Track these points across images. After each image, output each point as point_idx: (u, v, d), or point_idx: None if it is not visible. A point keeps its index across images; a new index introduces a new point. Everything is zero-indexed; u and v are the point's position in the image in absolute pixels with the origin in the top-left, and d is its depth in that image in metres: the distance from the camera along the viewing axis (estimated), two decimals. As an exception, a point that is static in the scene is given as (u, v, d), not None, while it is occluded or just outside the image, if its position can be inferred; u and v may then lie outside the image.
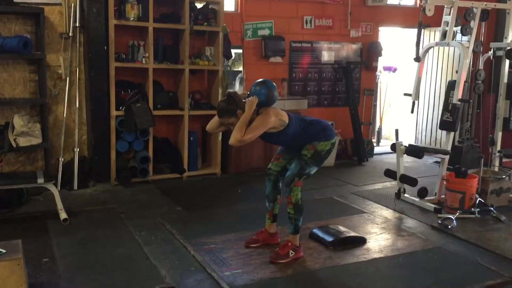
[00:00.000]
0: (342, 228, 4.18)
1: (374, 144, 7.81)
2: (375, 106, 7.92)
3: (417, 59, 5.12)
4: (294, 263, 3.62)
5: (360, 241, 4.05)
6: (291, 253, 3.67)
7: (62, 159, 5.31)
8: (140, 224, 4.34)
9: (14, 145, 4.81)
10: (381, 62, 7.80)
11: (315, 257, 3.75)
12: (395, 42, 8.32)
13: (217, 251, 3.79)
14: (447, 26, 5.07)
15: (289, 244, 3.70)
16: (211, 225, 4.36)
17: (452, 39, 5.12)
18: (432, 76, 7.75)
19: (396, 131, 5.43)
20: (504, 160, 5.41)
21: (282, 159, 3.85)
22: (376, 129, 8.25)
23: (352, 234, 4.11)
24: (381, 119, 8.40)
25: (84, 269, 3.45)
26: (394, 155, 5.35)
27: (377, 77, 7.89)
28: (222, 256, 3.71)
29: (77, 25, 5.27)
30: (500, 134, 5.42)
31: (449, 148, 5.14)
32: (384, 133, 8.54)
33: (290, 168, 3.68)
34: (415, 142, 7.99)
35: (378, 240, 4.15)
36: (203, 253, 3.73)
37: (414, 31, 5.26)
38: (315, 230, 4.13)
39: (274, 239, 3.96)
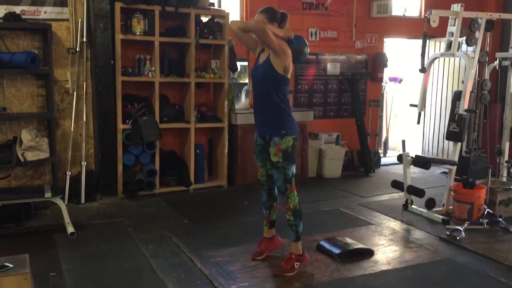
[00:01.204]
0: (349, 240, 4.15)
1: (381, 155, 7.79)
2: (381, 117, 7.91)
3: (423, 70, 5.11)
4: (301, 276, 3.60)
5: (367, 253, 4.02)
6: (296, 265, 3.65)
7: (70, 173, 5.33)
8: (147, 237, 4.34)
9: (22, 159, 4.85)
10: (387, 73, 7.81)
11: (322, 269, 3.73)
12: (401, 53, 8.33)
13: (223, 264, 3.78)
14: (452, 36, 5.07)
15: (292, 256, 3.68)
16: (218, 238, 4.35)
17: (457, 50, 5.12)
18: (438, 86, 7.74)
19: (403, 141, 5.41)
20: (512, 170, 5.39)
21: (260, 167, 3.88)
22: (383, 140, 8.23)
23: (360, 246, 4.09)
24: (387, 130, 8.38)
25: (91, 283, 3.46)
26: (401, 166, 5.33)
27: (383, 88, 7.89)
28: (229, 269, 3.70)
29: (84, 40, 5.33)
30: (507, 144, 5.40)
31: (456, 159, 5.13)
32: (391, 144, 8.52)
33: (275, 179, 3.69)
34: (422, 153, 7.96)
35: (386, 252, 4.12)
36: (210, 266, 3.72)
37: (419, 41, 5.26)
38: (322, 242, 4.12)
39: (275, 242, 3.99)
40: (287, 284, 3.50)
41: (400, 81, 8.19)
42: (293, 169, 3.67)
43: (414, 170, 6.11)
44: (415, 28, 7.27)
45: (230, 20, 3.87)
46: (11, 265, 2.83)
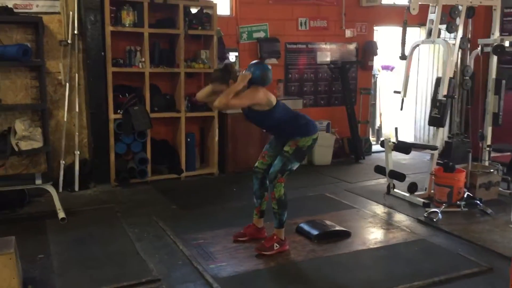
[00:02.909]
0: (328, 222, 4.29)
1: (373, 143, 7.89)
2: (374, 105, 7.99)
3: (403, 57, 5.21)
4: (278, 256, 3.75)
5: (344, 235, 4.16)
6: (276, 246, 3.80)
7: (64, 162, 5.51)
8: (135, 222, 4.51)
9: (16, 149, 5.04)
10: (378, 61, 7.88)
11: (299, 250, 3.88)
12: (392, 41, 8.39)
13: (205, 245, 3.95)
14: (432, 24, 5.16)
15: (275, 237, 3.84)
16: (203, 222, 4.51)
17: (438, 37, 5.21)
18: (428, 73, 7.81)
19: (396, 129, 5.52)
20: (493, 154, 5.48)
21: (267, 156, 3.99)
22: (376, 127, 8.33)
23: (337, 228, 4.22)
24: (380, 117, 8.47)
25: (76, 264, 3.63)
26: (393, 153, 5.36)
27: (375, 76, 7.97)
28: (209, 250, 3.86)
29: (76, 32, 5.49)
30: (490, 129, 5.49)
31: (438, 144, 5.23)
32: (384, 131, 8.61)
33: (273, 165, 3.82)
34: (414, 140, 8.06)
35: (363, 234, 4.26)
36: (192, 248, 3.89)
37: (411, 29, 5.33)
38: (302, 225, 4.26)
39: (261, 233, 4.10)
40: (264, 263, 3.65)
41: (392, 69, 8.28)
42: (295, 166, 3.83)
43: (404, 157, 6.26)
44: (405, 16, 7.32)
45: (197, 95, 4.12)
46: (-4, 246, 3.01)
